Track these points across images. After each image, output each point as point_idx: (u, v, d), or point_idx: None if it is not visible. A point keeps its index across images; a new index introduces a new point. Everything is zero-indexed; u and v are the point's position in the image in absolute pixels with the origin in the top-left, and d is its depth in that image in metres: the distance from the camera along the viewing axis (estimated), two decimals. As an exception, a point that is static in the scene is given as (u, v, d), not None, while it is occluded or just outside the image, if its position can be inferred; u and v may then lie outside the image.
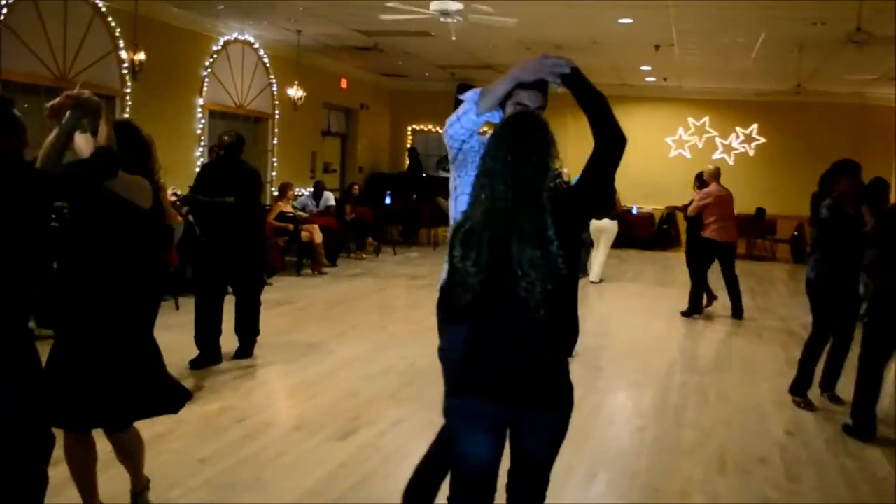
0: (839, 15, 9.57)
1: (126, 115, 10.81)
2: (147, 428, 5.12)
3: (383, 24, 11.04)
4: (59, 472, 3.75)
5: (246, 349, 7.05)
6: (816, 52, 12.36)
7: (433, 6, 9.36)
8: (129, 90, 10.89)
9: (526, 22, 10.91)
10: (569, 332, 2.88)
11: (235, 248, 6.83)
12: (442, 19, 9.58)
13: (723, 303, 11.07)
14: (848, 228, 6.16)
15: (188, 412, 5.53)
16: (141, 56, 10.66)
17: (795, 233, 16.56)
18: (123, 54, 10.69)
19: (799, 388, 6.49)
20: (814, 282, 6.40)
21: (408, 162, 19.57)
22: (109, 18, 10.44)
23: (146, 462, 3.98)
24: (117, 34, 10.59)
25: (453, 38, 11.55)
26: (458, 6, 9.29)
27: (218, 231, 6.84)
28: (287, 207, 12.49)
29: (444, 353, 3.23)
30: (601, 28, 11.78)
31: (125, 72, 10.80)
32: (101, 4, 10.28)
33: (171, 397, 3.90)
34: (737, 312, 10.19)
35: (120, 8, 10.52)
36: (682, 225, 10.85)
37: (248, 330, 7.09)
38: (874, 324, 5.77)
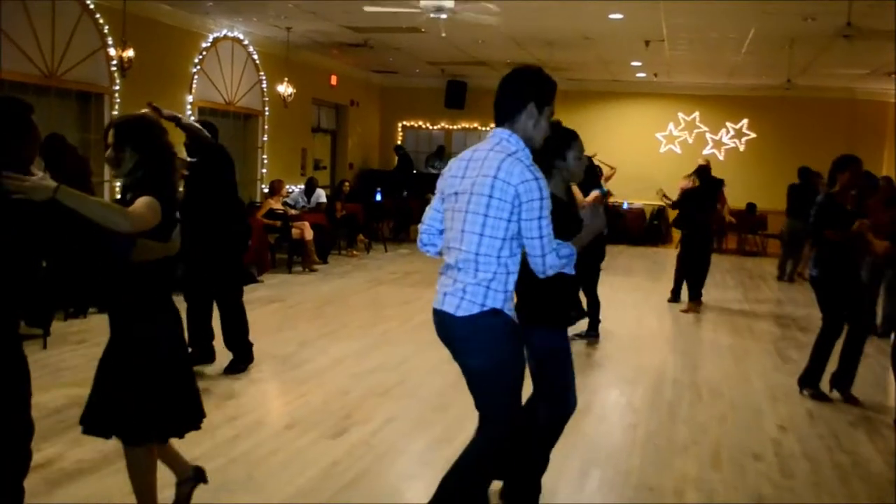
0: (830, 10, 9.57)
1: (115, 114, 10.76)
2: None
3: (373, 20, 11.00)
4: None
5: (237, 364, 6.59)
6: (807, 47, 12.36)
7: (423, 3, 9.32)
8: (117, 88, 10.83)
9: (516, 18, 10.89)
10: None
11: (209, 248, 6.41)
12: (432, 15, 9.53)
13: (714, 297, 11.10)
14: (842, 222, 6.18)
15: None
16: (130, 53, 10.59)
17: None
18: (112, 51, 10.63)
19: (811, 380, 6.53)
20: (816, 278, 6.41)
21: (396, 159, 19.51)
22: (98, 16, 10.38)
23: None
24: (106, 31, 10.53)
25: (443, 35, 11.53)
26: (450, 3, 9.25)
27: (194, 230, 6.45)
28: (277, 205, 12.44)
29: None
30: (591, 24, 11.76)
31: (114, 69, 10.74)
32: (89, 2, 10.21)
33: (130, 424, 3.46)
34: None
35: (108, 5, 10.45)
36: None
37: (234, 340, 6.64)
38: None
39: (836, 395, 6.52)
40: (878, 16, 9.61)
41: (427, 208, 3.54)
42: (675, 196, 10.91)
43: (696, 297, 10.26)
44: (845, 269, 6.34)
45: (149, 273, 3.43)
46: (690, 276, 10.33)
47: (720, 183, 10.81)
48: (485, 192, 3.16)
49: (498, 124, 3.31)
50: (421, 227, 3.54)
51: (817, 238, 6.38)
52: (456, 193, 3.28)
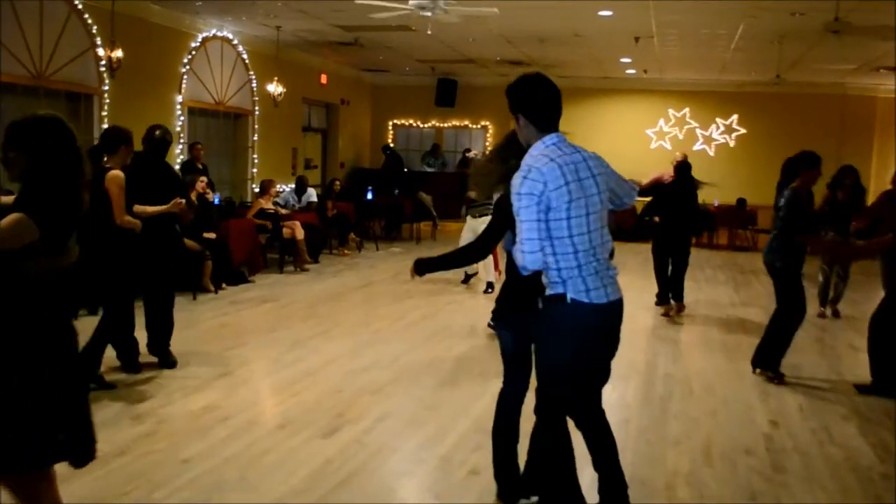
0: (817, 5, 9.60)
1: (104, 114, 10.75)
2: (131, 428, 5.11)
3: (363, 19, 11.00)
4: None
5: (167, 359, 6.57)
6: (796, 42, 12.40)
7: (412, 1, 9.32)
8: (107, 88, 10.80)
9: (507, 15, 10.89)
10: None
11: (146, 255, 6.33)
12: (422, 13, 9.53)
13: (705, 292, 11.13)
14: (811, 217, 6.51)
15: (172, 412, 5.51)
16: (118, 53, 10.57)
17: (776, 223, 16.63)
18: (101, 52, 10.60)
19: (769, 362, 6.90)
20: (784, 269, 6.80)
21: (384, 159, 19.47)
22: (86, 16, 10.35)
23: (130, 462, 3.89)
24: (94, 31, 10.50)
25: (429, 32, 11.52)
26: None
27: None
28: (268, 204, 12.42)
29: None
30: (582, 21, 11.78)
31: (103, 69, 10.71)
32: (77, 2, 10.18)
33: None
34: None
35: (97, 5, 10.42)
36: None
37: (161, 338, 6.63)
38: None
39: (823, 383, 6.58)
40: (865, 11, 9.65)
41: (526, 226, 3.38)
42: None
43: (677, 299, 9.90)
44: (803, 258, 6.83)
45: (43, 288, 3.02)
46: (663, 274, 10.06)
47: (694, 183, 10.20)
48: (603, 189, 3.57)
49: (554, 129, 3.57)
50: (532, 245, 3.37)
51: (789, 233, 6.72)
52: (585, 197, 3.46)
